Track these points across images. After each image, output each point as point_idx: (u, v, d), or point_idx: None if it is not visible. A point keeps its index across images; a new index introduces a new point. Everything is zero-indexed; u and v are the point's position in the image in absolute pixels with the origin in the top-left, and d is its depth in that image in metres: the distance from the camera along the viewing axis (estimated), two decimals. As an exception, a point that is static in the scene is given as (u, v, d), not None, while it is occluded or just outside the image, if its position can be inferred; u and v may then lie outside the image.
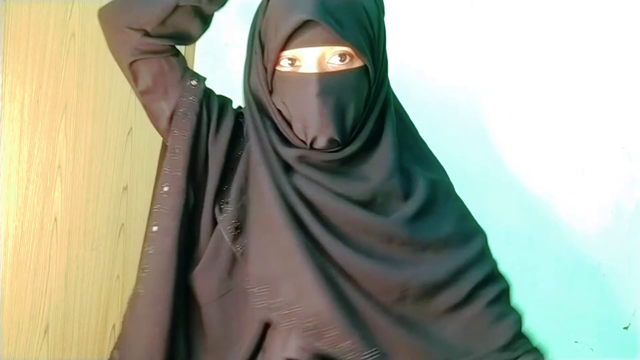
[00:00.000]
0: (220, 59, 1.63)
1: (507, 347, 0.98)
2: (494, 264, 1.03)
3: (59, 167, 1.32)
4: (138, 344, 1.03)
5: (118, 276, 1.46)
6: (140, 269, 1.03)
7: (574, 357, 1.67)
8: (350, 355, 0.93)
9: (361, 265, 0.95)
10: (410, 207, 0.99)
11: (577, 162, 1.61)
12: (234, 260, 1.01)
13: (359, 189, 0.99)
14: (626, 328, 1.66)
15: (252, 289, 0.98)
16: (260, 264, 0.98)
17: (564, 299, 1.66)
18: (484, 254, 1.03)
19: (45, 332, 1.31)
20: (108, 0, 1.30)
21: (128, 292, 1.48)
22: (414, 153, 1.07)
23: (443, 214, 1.02)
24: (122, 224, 1.46)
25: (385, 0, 1.13)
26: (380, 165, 1.00)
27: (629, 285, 1.66)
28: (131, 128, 1.47)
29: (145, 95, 1.07)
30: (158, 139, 1.53)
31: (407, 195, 1.01)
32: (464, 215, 1.06)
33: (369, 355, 0.93)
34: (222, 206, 1.02)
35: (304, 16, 0.93)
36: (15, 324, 1.26)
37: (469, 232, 1.04)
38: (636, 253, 1.66)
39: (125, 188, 1.46)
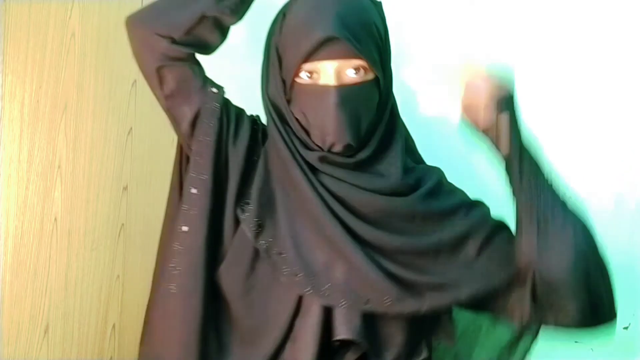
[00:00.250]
0: (219, 60, 1.62)
1: None
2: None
3: (59, 167, 1.32)
4: (172, 339, 1.10)
5: (118, 276, 1.46)
6: (167, 266, 1.11)
7: (574, 357, 1.67)
8: (405, 314, 1.09)
9: (395, 242, 1.09)
10: (424, 188, 1.14)
11: (577, 162, 1.61)
12: (256, 256, 1.10)
13: (379, 183, 1.11)
14: (626, 328, 1.66)
15: (297, 278, 1.08)
16: (307, 253, 1.08)
17: (564, 299, 1.66)
18: (488, 211, 1.19)
19: (45, 332, 1.31)
20: (109, 1, 1.30)
21: (128, 292, 1.49)
22: (414, 156, 1.22)
23: (450, 192, 1.18)
24: (122, 224, 1.46)
25: (386, 0, 1.14)
26: (392, 165, 1.13)
27: (629, 285, 1.66)
28: (131, 128, 1.47)
29: (169, 100, 1.16)
30: (158, 139, 1.54)
31: (418, 187, 1.15)
32: (465, 194, 1.20)
33: (420, 309, 1.08)
34: (242, 206, 1.12)
35: (327, 33, 1.04)
36: (15, 324, 1.26)
37: (474, 201, 1.19)
38: (636, 253, 1.66)
39: (125, 188, 1.46)
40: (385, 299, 1.07)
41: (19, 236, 1.26)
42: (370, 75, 1.09)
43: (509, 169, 1.09)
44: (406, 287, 1.08)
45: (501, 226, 1.17)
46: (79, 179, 1.36)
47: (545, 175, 1.09)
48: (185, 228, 1.11)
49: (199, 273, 1.10)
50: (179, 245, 1.11)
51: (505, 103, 1.08)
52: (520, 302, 1.11)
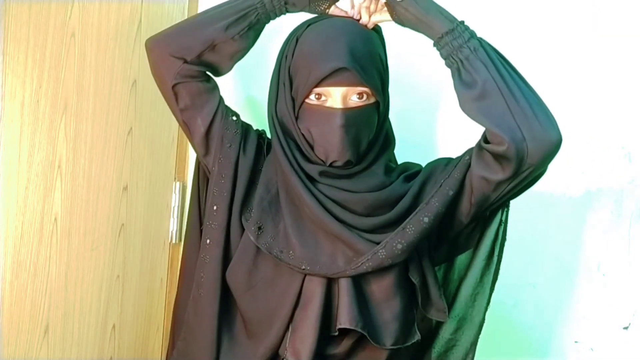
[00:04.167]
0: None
1: None
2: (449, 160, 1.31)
3: (59, 167, 1.32)
4: (201, 336, 1.27)
5: (118, 276, 1.46)
6: (199, 275, 1.28)
7: (574, 357, 1.67)
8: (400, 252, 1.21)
9: (386, 229, 1.22)
10: (395, 184, 1.28)
11: (577, 162, 1.61)
12: (258, 255, 1.24)
13: (368, 183, 1.26)
14: (626, 328, 1.66)
15: (304, 269, 1.21)
16: (310, 247, 1.22)
17: (564, 299, 1.66)
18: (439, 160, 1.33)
19: (45, 332, 1.31)
20: (109, 1, 1.30)
21: (128, 292, 1.49)
22: (393, 162, 1.36)
23: (417, 183, 1.28)
24: (122, 224, 1.46)
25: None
26: (379, 167, 1.28)
27: (629, 285, 1.66)
28: (131, 128, 1.47)
29: (184, 113, 1.30)
30: (158, 139, 1.54)
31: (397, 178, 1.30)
32: (431, 173, 1.30)
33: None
34: (246, 214, 1.26)
35: (339, 64, 1.17)
36: (15, 324, 1.26)
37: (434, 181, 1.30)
38: (636, 253, 1.66)
39: (125, 188, 1.46)
40: (387, 274, 1.22)
41: (19, 236, 1.26)
42: (372, 100, 1.22)
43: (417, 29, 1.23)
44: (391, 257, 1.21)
45: (450, 160, 1.29)
46: (79, 179, 1.36)
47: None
48: (208, 241, 1.27)
49: (217, 279, 1.26)
50: (205, 256, 1.27)
51: None
52: (473, 179, 1.22)
